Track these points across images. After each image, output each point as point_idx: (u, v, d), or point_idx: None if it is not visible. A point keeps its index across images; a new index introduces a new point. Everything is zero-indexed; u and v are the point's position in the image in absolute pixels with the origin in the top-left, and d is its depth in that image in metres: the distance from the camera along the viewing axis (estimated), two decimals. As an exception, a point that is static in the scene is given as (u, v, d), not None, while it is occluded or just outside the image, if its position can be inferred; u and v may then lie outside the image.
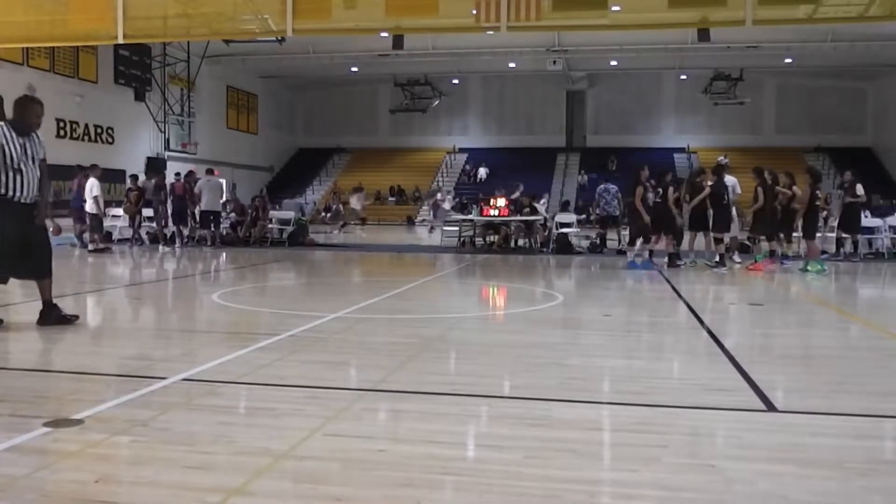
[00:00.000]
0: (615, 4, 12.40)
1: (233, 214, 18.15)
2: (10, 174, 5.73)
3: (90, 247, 14.80)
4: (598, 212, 16.73)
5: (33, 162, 5.87)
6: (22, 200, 5.82)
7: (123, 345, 5.64)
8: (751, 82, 34.44)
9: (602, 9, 12.34)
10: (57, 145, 25.03)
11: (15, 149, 5.76)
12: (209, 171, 17.48)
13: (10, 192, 5.76)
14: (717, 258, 12.02)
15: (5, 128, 5.79)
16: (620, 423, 3.66)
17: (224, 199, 17.42)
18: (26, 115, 5.94)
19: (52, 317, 6.09)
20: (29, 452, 3.06)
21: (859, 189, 12.72)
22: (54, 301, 6.18)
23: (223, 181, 17.42)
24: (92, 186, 14.90)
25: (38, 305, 6.21)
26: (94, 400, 3.85)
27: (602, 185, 16.70)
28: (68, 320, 6.11)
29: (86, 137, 26.43)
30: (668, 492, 2.74)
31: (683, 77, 36.36)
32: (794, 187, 12.38)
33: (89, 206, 14.94)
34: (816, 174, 12.45)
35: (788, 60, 31.76)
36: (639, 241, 12.09)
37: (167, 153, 30.22)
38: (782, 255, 12.40)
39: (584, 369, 4.80)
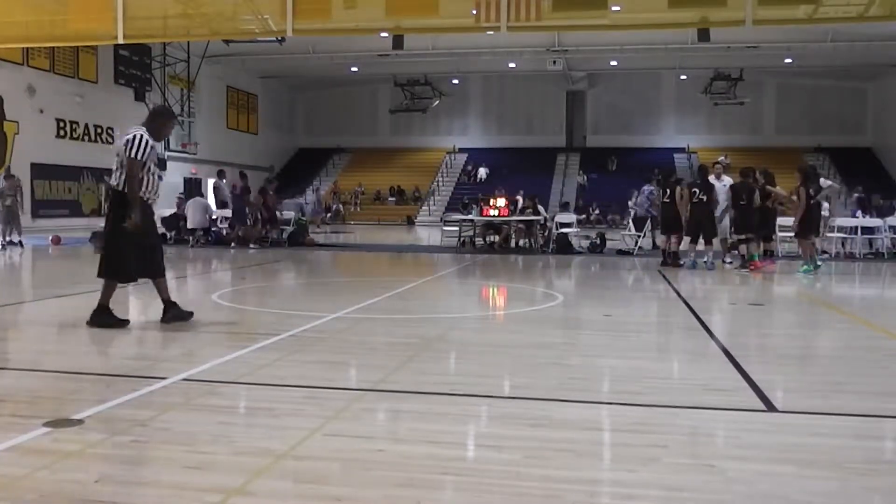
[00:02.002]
0: (615, 4, 12.39)
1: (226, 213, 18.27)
2: (148, 177, 6.10)
3: None
4: (640, 213, 16.50)
5: (155, 166, 6.28)
6: (150, 201, 6.18)
7: (123, 345, 5.64)
8: (751, 82, 34.44)
9: (602, 9, 12.34)
10: (57, 145, 25.06)
11: (156, 155, 6.21)
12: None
13: (145, 194, 6.09)
14: (741, 259, 11.95)
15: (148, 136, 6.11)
16: (620, 423, 3.66)
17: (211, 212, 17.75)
18: (164, 130, 6.38)
19: (171, 314, 6.22)
20: (29, 452, 3.06)
21: (823, 182, 12.26)
22: (172, 299, 6.34)
23: (208, 202, 18.02)
24: None
25: (38, 305, 6.21)
26: (94, 400, 3.85)
27: (643, 187, 16.58)
28: (186, 317, 6.26)
29: (86, 137, 26.43)
30: (667, 492, 2.74)
31: (683, 77, 36.37)
32: (769, 187, 12.28)
33: None
34: (806, 173, 12.25)
35: (788, 60, 31.77)
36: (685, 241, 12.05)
37: (167, 153, 30.19)
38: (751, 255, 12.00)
39: (584, 369, 4.80)
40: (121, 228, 5.95)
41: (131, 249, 6.04)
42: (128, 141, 6.01)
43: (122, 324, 6.06)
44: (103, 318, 6.02)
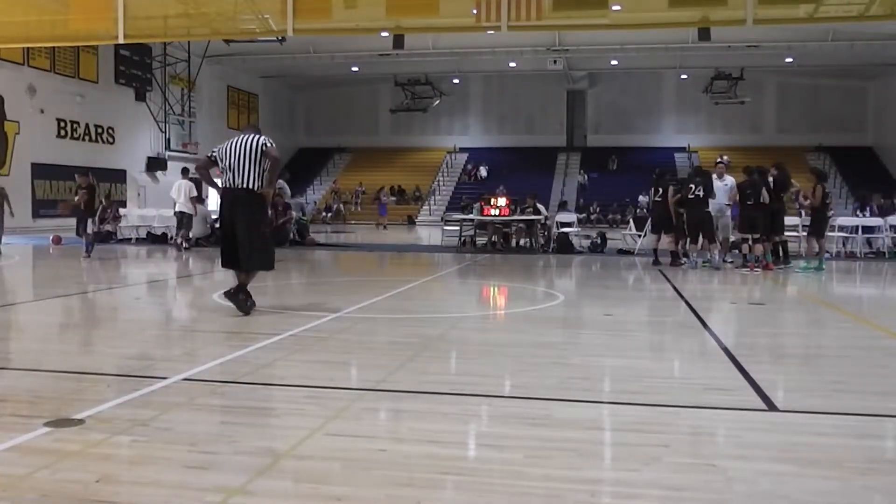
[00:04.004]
0: (616, 4, 12.39)
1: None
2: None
3: (184, 244, 15.08)
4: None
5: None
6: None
7: (124, 344, 5.64)
8: (751, 82, 34.43)
9: (602, 8, 12.34)
10: (57, 145, 25.08)
11: None
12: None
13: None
14: (743, 259, 11.86)
15: None
16: (621, 423, 3.66)
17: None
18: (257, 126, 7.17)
19: (237, 298, 6.61)
20: (30, 452, 3.06)
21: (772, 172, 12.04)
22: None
23: (209, 210, 17.54)
24: (190, 187, 15.00)
25: (39, 305, 6.22)
26: (94, 400, 3.85)
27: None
28: (247, 308, 6.60)
29: (86, 137, 26.45)
30: (668, 491, 2.74)
31: (684, 76, 36.37)
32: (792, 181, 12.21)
33: (185, 207, 15.04)
34: (820, 174, 12.24)
35: (789, 60, 31.76)
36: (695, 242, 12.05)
37: (168, 153, 30.25)
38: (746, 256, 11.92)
39: (585, 369, 4.80)
40: (264, 223, 6.65)
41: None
42: (264, 143, 6.54)
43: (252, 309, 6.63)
44: (242, 297, 6.56)
